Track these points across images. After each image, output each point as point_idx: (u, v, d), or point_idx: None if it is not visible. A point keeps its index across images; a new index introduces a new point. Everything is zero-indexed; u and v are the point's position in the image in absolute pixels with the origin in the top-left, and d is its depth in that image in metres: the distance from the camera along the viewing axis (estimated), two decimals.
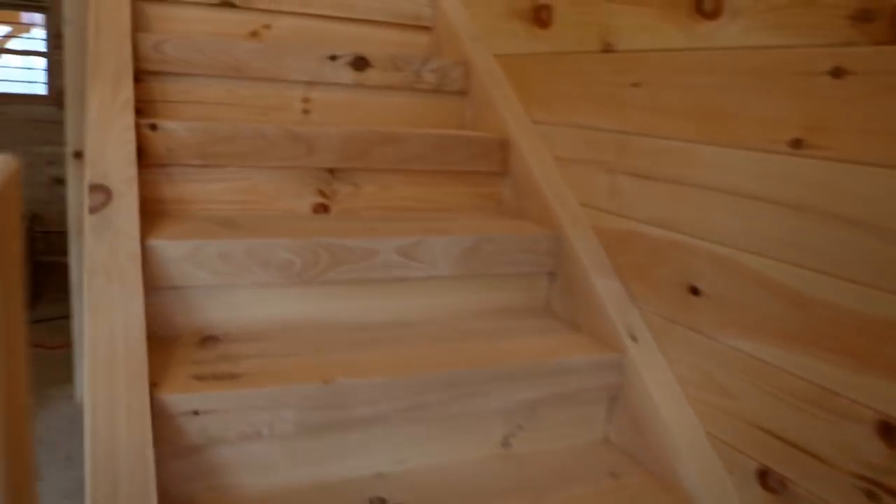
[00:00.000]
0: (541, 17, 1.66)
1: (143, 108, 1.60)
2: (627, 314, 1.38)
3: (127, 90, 1.40)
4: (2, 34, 6.10)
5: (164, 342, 1.26)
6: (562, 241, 1.50)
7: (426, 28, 2.03)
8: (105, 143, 1.30)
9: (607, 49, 1.46)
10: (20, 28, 6.17)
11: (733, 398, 1.19)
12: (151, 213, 1.42)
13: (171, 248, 1.25)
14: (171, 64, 1.60)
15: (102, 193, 1.23)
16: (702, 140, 1.25)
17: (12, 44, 6.30)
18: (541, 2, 1.66)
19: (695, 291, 1.26)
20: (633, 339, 1.35)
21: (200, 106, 1.65)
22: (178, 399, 1.08)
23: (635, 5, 1.39)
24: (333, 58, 1.72)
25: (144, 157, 1.40)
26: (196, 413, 1.09)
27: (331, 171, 1.56)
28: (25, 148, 5.29)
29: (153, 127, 1.40)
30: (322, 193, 1.56)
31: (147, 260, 1.23)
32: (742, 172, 1.17)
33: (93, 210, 1.21)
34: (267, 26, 1.86)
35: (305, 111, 1.73)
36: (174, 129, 1.42)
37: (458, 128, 1.87)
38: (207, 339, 1.29)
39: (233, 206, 1.50)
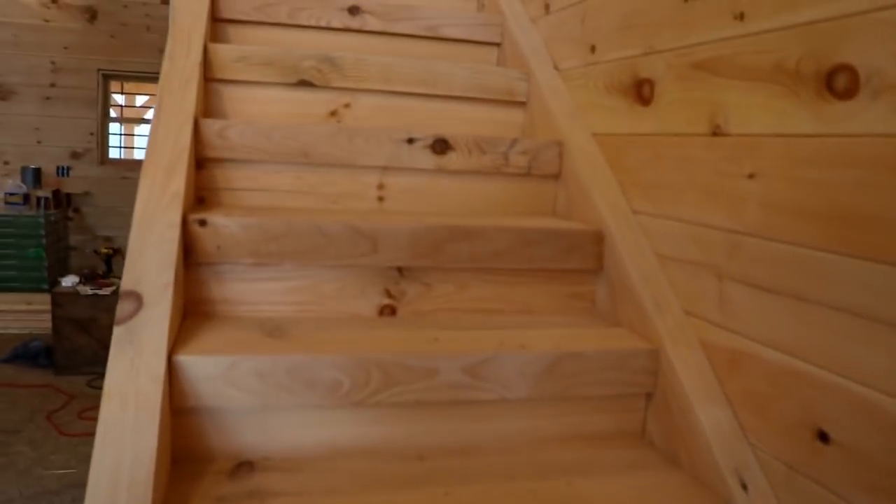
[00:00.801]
0: (642, 93, 1.46)
1: (205, 197, 1.50)
2: (737, 454, 1.13)
3: (178, 183, 1.29)
4: (140, 103, 6.41)
5: (193, 467, 1.12)
6: (660, 356, 1.27)
7: (521, 104, 1.85)
8: (145, 242, 1.19)
9: (717, 132, 1.24)
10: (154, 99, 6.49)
11: None
12: (195, 315, 1.30)
13: (203, 364, 1.11)
14: (236, 150, 1.49)
15: (133, 301, 1.12)
16: (832, 249, 1.00)
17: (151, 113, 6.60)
18: (643, 75, 1.46)
19: (823, 437, 1.01)
20: (744, 486, 1.09)
21: (267, 194, 1.53)
22: None
23: (749, 80, 1.17)
24: (411, 141, 1.57)
25: (192, 254, 1.29)
26: None
27: (399, 269, 1.40)
28: None
29: (202, 223, 1.29)
30: (389, 294, 1.40)
31: (176, 377, 1.10)
32: (885, 293, 0.92)
33: (119, 321, 1.09)
34: (347, 105, 1.74)
35: (380, 198, 1.58)
36: (225, 225, 1.30)
37: (549, 215, 1.68)
38: (242, 466, 1.14)
39: (288, 308, 1.36)
